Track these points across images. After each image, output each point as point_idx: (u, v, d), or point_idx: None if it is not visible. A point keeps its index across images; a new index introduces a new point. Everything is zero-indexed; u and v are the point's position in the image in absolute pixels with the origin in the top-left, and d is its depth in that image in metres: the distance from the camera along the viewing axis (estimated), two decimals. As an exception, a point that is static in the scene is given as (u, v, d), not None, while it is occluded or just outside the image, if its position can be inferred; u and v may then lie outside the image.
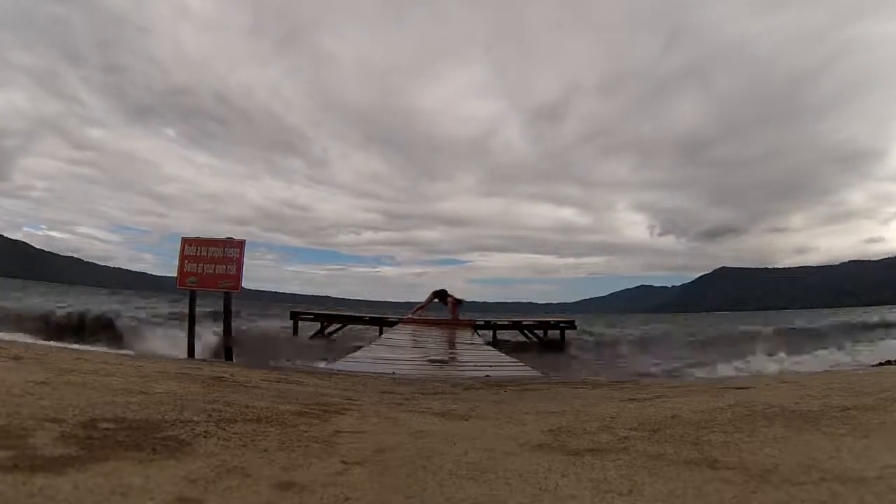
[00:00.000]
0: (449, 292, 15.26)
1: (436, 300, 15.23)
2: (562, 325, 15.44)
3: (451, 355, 7.35)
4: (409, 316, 15.06)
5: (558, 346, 15.18)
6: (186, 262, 6.33)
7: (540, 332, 15.67)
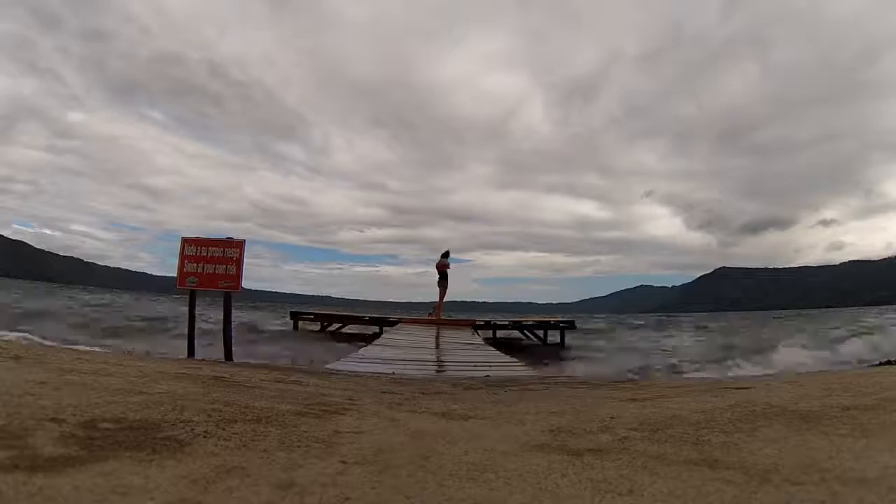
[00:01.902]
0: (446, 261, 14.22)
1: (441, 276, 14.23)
2: (562, 325, 15.43)
3: (451, 355, 7.36)
4: (430, 315, 14.62)
5: None
6: (186, 261, 6.32)
7: (540, 333, 15.66)
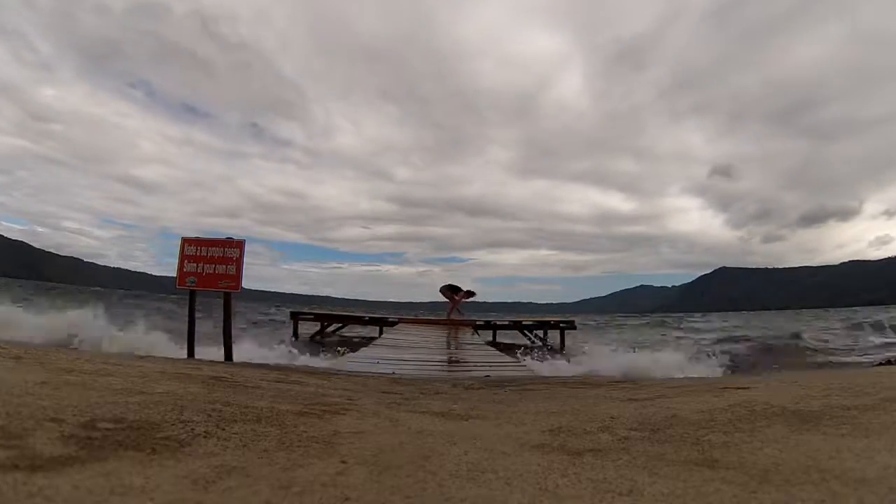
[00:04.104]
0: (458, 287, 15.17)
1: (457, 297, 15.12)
2: (562, 325, 15.44)
3: (452, 355, 7.36)
4: (448, 317, 14.94)
5: None
6: (186, 261, 6.33)
7: (540, 333, 15.66)
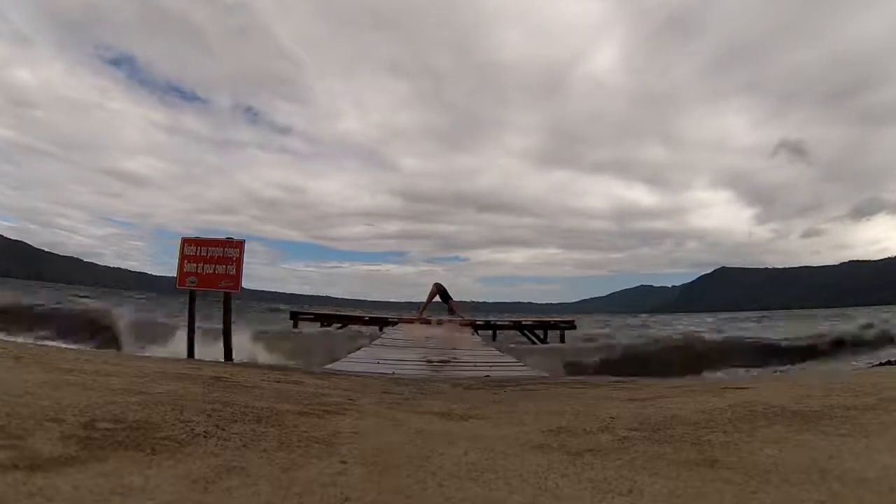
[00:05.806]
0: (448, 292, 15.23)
1: (437, 299, 15.17)
2: (562, 325, 15.42)
3: (451, 355, 7.36)
4: (415, 315, 15.01)
5: None
6: (186, 262, 6.33)
7: (540, 333, 15.65)
